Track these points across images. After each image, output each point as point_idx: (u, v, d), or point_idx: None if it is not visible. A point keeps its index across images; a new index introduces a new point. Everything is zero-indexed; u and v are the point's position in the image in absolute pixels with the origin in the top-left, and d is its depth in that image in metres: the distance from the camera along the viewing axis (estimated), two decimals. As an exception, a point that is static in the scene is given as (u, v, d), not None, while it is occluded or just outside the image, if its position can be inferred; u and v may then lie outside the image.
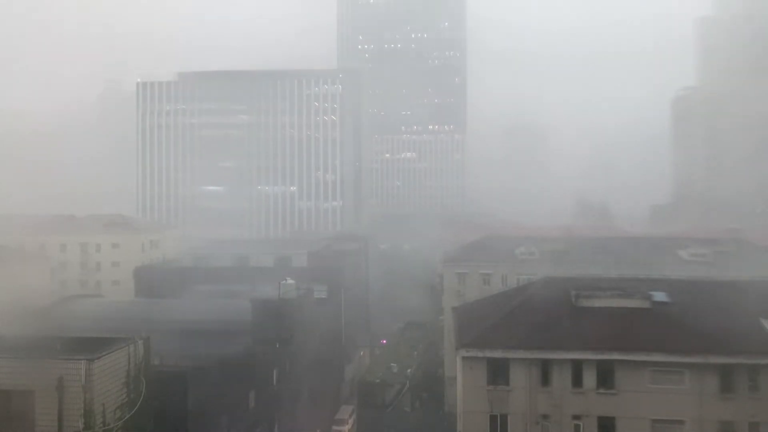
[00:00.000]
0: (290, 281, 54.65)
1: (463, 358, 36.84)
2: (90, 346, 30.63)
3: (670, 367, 35.14)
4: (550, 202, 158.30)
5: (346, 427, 62.27)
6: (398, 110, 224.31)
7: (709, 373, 34.81)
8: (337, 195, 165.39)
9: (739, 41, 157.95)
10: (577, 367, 35.92)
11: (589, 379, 35.79)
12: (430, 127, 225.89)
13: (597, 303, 39.37)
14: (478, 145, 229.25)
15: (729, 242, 73.55)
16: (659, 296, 39.69)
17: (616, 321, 37.79)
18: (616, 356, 35.43)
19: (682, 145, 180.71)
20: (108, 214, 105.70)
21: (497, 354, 36.43)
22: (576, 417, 35.77)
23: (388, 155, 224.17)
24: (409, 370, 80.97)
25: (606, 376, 35.71)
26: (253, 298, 50.88)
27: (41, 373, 28.71)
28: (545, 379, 36.19)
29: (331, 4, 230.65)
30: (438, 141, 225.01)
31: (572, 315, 39.05)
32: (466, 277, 70.50)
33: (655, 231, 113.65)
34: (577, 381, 35.91)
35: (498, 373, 36.47)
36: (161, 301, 59.05)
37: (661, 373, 35.20)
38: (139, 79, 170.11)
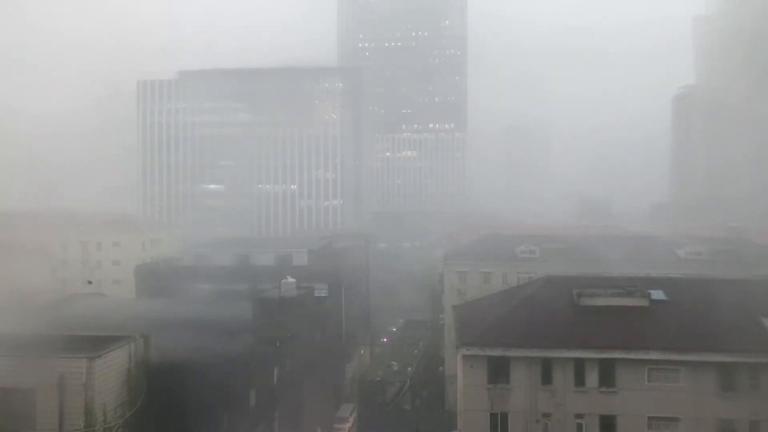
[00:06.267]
0: (291, 280, 54.75)
1: (464, 356, 36.89)
2: (91, 344, 30.73)
3: (668, 365, 35.24)
4: (550, 201, 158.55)
5: (347, 425, 62.35)
6: (399, 108, 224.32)
7: (707, 371, 34.87)
8: (337, 193, 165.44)
9: (738, 40, 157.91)
10: (579, 365, 35.99)
11: (591, 377, 35.86)
12: (431, 125, 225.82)
13: (598, 302, 39.43)
14: (479, 144, 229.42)
15: (727, 241, 73.65)
16: (657, 294, 39.76)
17: (616, 319, 37.87)
18: (616, 354, 35.51)
19: (681, 144, 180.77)
20: (109, 213, 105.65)
21: (498, 352, 36.48)
22: (578, 416, 35.86)
23: (388, 154, 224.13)
24: (409, 369, 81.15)
25: (607, 375, 35.79)
26: (253, 297, 50.96)
27: (42, 371, 28.80)
28: (546, 378, 36.24)
29: (331, 2, 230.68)
30: (438, 139, 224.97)
31: (573, 313, 39.13)
32: (466, 276, 70.56)
33: (654, 229, 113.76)
34: (579, 379, 35.99)
35: (498, 371, 36.51)
36: (162, 300, 59.16)
37: (659, 370, 35.30)
38: (139, 78, 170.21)
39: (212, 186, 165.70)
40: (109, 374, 30.01)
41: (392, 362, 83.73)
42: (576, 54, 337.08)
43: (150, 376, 32.16)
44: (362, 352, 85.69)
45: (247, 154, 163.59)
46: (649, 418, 35.25)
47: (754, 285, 41.43)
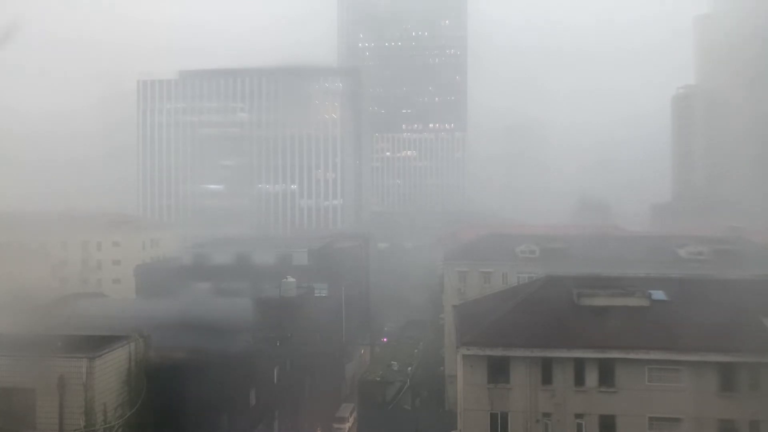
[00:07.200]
0: (291, 279, 54.76)
1: (464, 356, 36.89)
2: (91, 344, 30.69)
3: (668, 365, 35.24)
4: (550, 200, 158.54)
5: (347, 425, 62.34)
6: (399, 108, 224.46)
7: (708, 371, 34.86)
8: (337, 193, 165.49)
9: (738, 39, 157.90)
10: (579, 365, 35.99)
11: (591, 377, 35.86)
12: (431, 125, 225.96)
13: (598, 302, 39.42)
14: (479, 143, 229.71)
15: (728, 240, 73.60)
16: (657, 295, 39.75)
17: (616, 319, 37.85)
18: (615, 354, 35.50)
19: (682, 143, 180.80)
20: (109, 212, 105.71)
21: (498, 352, 36.48)
22: (578, 416, 35.87)
23: (388, 153, 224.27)
24: (409, 369, 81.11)
25: (607, 374, 35.79)
26: (254, 297, 50.94)
27: (42, 371, 28.76)
28: (546, 378, 36.25)
29: (331, 2, 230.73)
30: (439, 139, 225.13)
31: (573, 313, 39.11)
32: (466, 276, 70.56)
33: (655, 229, 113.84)
34: (579, 379, 35.99)
35: (498, 371, 36.51)
36: (162, 300, 59.06)
37: (659, 371, 35.31)
38: (139, 78, 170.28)
39: (212, 186, 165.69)
40: (109, 374, 29.99)
41: (392, 362, 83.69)
42: (576, 53, 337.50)
43: (150, 376, 32.12)
44: (362, 352, 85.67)
45: (247, 154, 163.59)
46: (650, 418, 35.26)
47: (755, 285, 41.41)
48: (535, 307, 40.09)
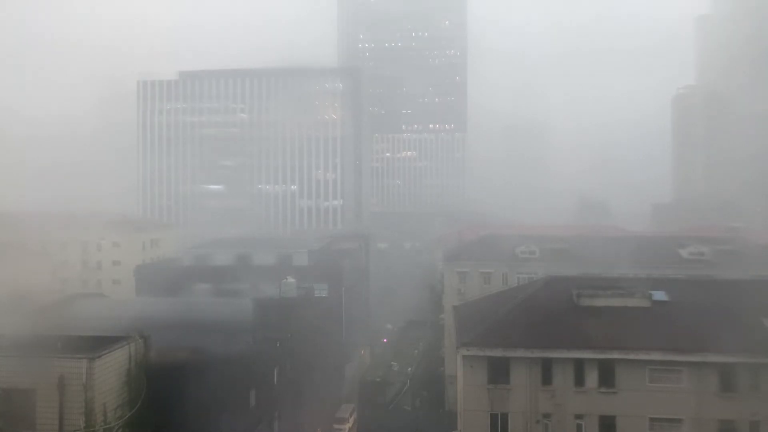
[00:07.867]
0: (291, 280, 54.77)
1: (464, 356, 36.87)
2: (91, 344, 30.69)
3: (669, 366, 35.21)
4: (551, 201, 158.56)
5: (347, 426, 62.31)
6: (399, 109, 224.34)
7: (708, 371, 34.85)
8: (337, 194, 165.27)
9: (738, 39, 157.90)
10: (579, 366, 35.96)
11: (591, 378, 35.84)
12: (431, 125, 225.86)
13: (598, 302, 39.39)
14: (479, 144, 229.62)
15: (728, 240, 73.61)
16: (658, 295, 39.72)
17: (617, 320, 37.83)
18: (616, 355, 35.48)
19: (682, 143, 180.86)
20: (109, 213, 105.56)
21: (498, 353, 36.46)
22: (578, 416, 35.84)
23: (388, 154, 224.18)
24: (409, 369, 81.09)
25: (607, 375, 35.76)
26: (254, 297, 50.93)
27: (42, 371, 28.77)
28: (546, 378, 36.22)
29: (331, 3, 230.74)
30: (438, 140, 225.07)
31: (573, 314, 39.09)
32: (466, 276, 70.49)
33: (655, 229, 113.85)
34: (579, 380, 35.96)
35: (499, 371, 36.50)
36: (162, 300, 59.05)
37: (660, 371, 35.28)
38: (139, 78, 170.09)
39: (212, 186, 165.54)
40: (109, 374, 29.99)
41: (392, 362, 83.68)
42: (576, 53, 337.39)
43: (150, 376, 32.12)
44: (362, 352, 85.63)
45: (247, 154, 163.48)
46: (651, 419, 35.22)
47: (755, 285, 41.40)
48: (535, 307, 40.08)
